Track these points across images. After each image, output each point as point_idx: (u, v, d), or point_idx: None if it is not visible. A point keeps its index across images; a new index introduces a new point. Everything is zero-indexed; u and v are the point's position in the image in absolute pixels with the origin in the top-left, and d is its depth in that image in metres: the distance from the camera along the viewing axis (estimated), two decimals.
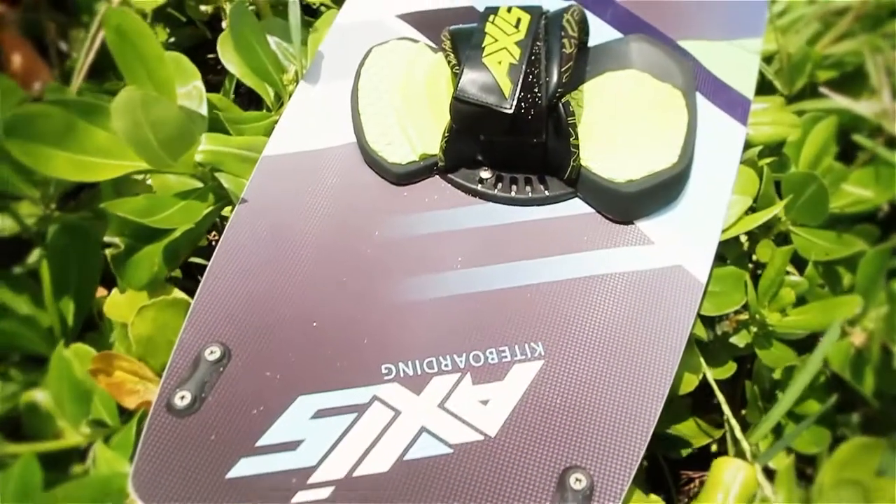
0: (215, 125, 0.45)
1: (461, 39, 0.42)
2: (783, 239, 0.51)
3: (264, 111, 0.51)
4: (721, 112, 0.47)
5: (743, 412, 0.48)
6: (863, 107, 0.47)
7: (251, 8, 0.53)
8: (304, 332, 0.37)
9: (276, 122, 0.46)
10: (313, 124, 0.46)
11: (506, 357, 0.37)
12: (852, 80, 0.53)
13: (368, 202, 0.42)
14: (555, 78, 0.39)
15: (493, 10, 0.42)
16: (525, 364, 0.37)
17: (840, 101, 0.49)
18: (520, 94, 0.39)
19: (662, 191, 0.41)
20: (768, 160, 0.49)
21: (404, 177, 0.42)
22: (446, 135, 0.41)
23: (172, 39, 0.63)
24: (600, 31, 0.50)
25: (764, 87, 0.53)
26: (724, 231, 0.43)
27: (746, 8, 0.53)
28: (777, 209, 0.43)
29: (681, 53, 0.49)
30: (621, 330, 0.38)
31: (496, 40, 0.40)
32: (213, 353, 0.36)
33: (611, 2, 0.53)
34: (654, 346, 0.38)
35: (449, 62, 0.42)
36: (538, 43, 0.40)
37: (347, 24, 0.51)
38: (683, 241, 0.41)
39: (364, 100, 0.45)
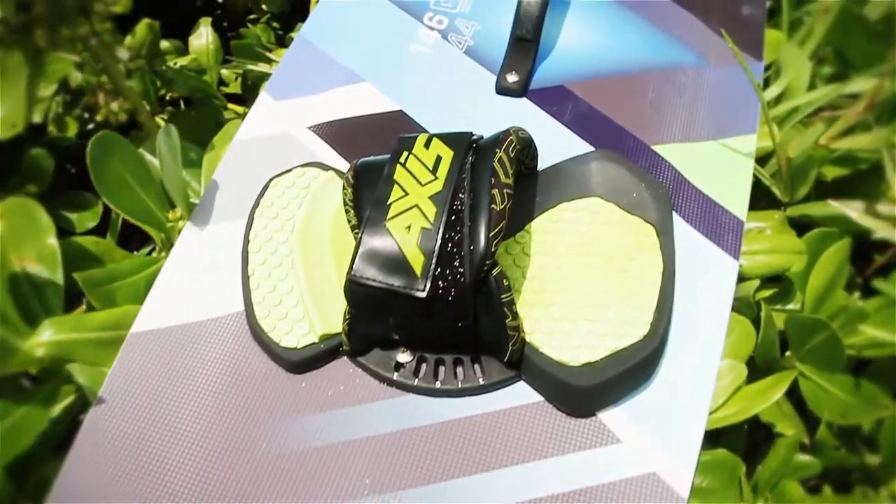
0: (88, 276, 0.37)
1: (366, 184, 0.33)
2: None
3: (152, 253, 0.42)
4: (707, 242, 0.38)
5: None
6: (882, 228, 0.37)
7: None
8: None
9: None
10: (197, 286, 0.37)
11: None
12: (866, 178, 0.43)
13: (257, 398, 0.33)
14: (482, 245, 0.30)
15: (409, 144, 0.33)
16: None
17: (853, 215, 0.39)
18: (435, 270, 0.30)
19: (629, 377, 0.32)
20: (767, 293, 0.39)
21: (300, 364, 0.33)
22: (347, 316, 0.32)
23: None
24: (556, 136, 0.41)
25: (758, 191, 0.43)
26: (712, 413, 0.33)
27: (735, 97, 0.44)
28: (780, 392, 0.34)
29: (654, 175, 0.39)
30: None
31: (406, 193, 0.31)
32: None
33: (569, 96, 0.43)
34: None
35: (349, 220, 0.33)
36: (461, 195, 0.31)
37: (249, 141, 0.42)
38: (659, 438, 0.32)
39: (255, 256, 0.36)
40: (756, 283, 0.39)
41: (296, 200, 0.37)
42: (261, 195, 0.38)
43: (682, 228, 0.38)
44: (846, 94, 0.41)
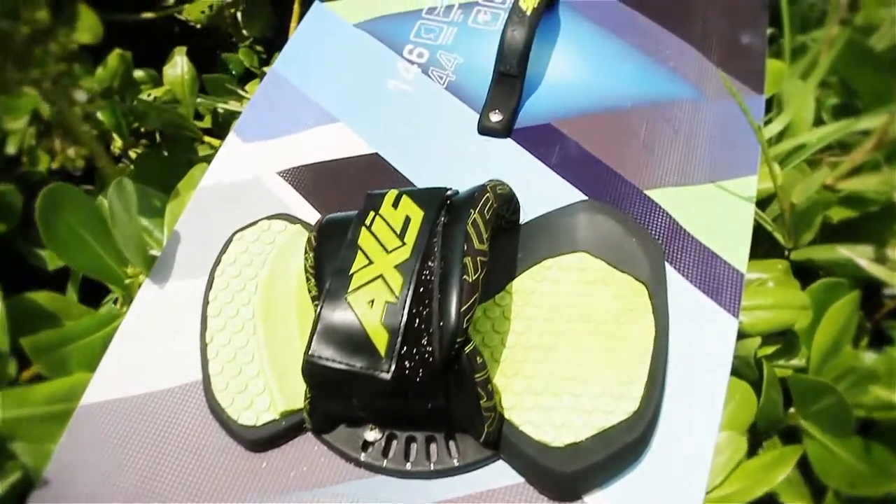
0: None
1: (329, 249, 0.30)
2: (792, 435, 0.39)
3: (112, 309, 0.39)
4: (704, 298, 0.35)
5: None
6: (893, 279, 0.34)
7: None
8: None
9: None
10: (153, 352, 0.34)
11: None
12: (876, 221, 0.40)
13: (215, 480, 0.31)
14: (452, 321, 0.27)
15: (376, 202, 0.30)
16: None
17: (862, 264, 0.36)
18: (401, 349, 0.27)
19: (617, 460, 0.29)
20: (770, 349, 0.36)
21: (260, 443, 0.30)
22: (308, 394, 0.29)
23: None
24: (541, 181, 0.38)
25: (759, 234, 0.40)
26: (709, 493, 0.30)
27: (734, 134, 0.41)
28: (785, 471, 0.31)
29: (647, 223, 0.36)
30: None
31: (370, 262, 0.28)
32: None
33: (556, 135, 0.40)
34: None
35: (309, 289, 0.30)
36: (430, 263, 0.28)
37: (214, 188, 0.39)
38: None
39: (214, 321, 0.33)
40: (757, 340, 0.36)
41: (260, 257, 0.35)
42: (222, 251, 0.35)
43: (676, 283, 0.35)
44: (855, 131, 0.38)
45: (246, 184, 0.39)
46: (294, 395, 0.30)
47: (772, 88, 0.44)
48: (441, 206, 0.30)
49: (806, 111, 0.40)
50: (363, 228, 0.29)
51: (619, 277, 0.33)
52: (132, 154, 0.55)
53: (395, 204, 0.30)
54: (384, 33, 0.46)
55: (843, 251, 0.36)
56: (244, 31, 0.62)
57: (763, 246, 0.41)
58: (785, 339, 0.38)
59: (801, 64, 0.45)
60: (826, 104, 0.47)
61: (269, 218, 0.36)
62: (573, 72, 0.43)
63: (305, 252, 0.31)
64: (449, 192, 0.31)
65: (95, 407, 0.33)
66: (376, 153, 0.40)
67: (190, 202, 0.39)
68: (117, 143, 0.55)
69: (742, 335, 0.36)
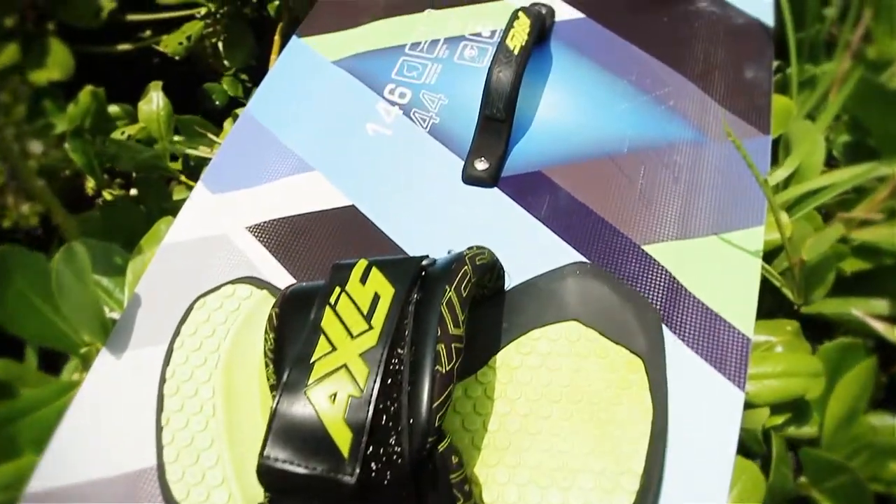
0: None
1: (291, 329, 0.27)
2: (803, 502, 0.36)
3: (70, 378, 0.36)
4: (707, 367, 0.32)
5: None
6: None
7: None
8: None
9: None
10: (107, 433, 0.31)
11: None
12: (892, 274, 0.37)
13: None
14: (423, 418, 0.24)
15: (343, 277, 0.28)
16: None
17: (878, 328, 0.33)
18: (367, 450, 0.24)
19: None
20: (779, 419, 0.33)
21: None
22: (266, 498, 0.26)
23: None
24: (530, 237, 0.35)
25: (764, 287, 0.37)
26: None
27: (740, 181, 0.38)
28: None
29: (646, 282, 0.33)
30: None
31: (334, 348, 0.26)
32: None
33: (546, 184, 0.38)
34: None
35: (268, 376, 0.28)
36: (399, 350, 0.25)
37: (179, 245, 0.37)
38: None
39: (171, 401, 0.30)
40: (766, 411, 0.33)
41: (223, 327, 0.32)
42: (182, 320, 0.32)
43: (676, 350, 0.32)
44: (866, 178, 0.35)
45: (213, 241, 0.37)
46: (255, 489, 0.28)
47: (778, 127, 0.41)
48: (414, 282, 0.27)
49: (815, 155, 0.37)
50: (327, 308, 0.26)
51: (613, 350, 0.30)
52: (106, 195, 0.53)
53: (364, 278, 0.27)
54: (364, 71, 0.43)
55: (857, 313, 0.33)
56: (225, 62, 0.59)
57: (769, 299, 0.38)
58: (795, 407, 0.35)
59: (809, 101, 0.42)
60: (837, 142, 0.44)
61: (234, 282, 0.33)
62: (565, 114, 0.41)
63: (266, 333, 0.28)
64: (424, 262, 0.28)
65: (41, 496, 0.30)
66: (353, 205, 0.37)
67: (152, 261, 0.36)
68: (90, 184, 0.53)
69: (749, 405, 0.33)
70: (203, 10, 0.59)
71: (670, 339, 0.32)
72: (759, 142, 0.40)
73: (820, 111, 0.39)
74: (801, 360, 0.33)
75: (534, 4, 0.45)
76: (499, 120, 0.38)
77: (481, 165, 0.38)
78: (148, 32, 0.59)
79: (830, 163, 0.42)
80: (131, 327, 0.34)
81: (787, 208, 0.38)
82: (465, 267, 0.27)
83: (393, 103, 0.41)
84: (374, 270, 0.27)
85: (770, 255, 0.38)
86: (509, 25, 0.39)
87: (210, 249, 0.36)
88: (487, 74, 0.38)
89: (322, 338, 0.26)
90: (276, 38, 0.54)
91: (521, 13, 0.40)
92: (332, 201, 0.37)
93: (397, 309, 0.26)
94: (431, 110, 0.41)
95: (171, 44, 0.55)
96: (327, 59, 0.44)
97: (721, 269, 0.35)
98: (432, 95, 0.42)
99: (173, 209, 0.40)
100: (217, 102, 0.64)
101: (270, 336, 0.28)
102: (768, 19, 0.46)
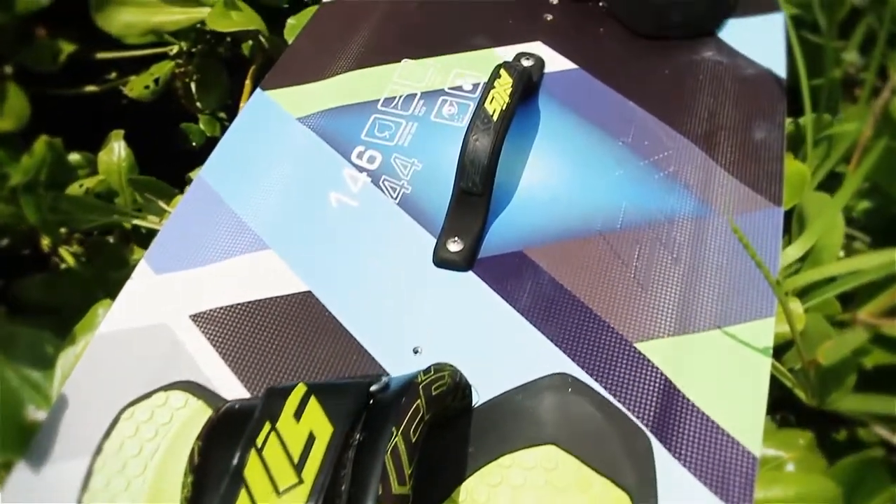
0: None
1: (212, 472, 0.23)
2: None
3: None
4: (706, 493, 0.28)
5: None
6: None
7: None
8: None
9: None
10: None
11: None
12: None
13: None
14: None
15: (275, 408, 0.23)
16: None
17: None
18: None
19: None
20: None
21: None
22: None
23: None
24: (507, 333, 0.31)
25: (773, 384, 0.33)
26: None
27: (747, 262, 0.33)
28: None
29: (637, 389, 0.29)
30: None
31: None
32: None
33: (528, 268, 0.33)
34: None
35: None
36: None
37: (114, 336, 0.33)
38: None
39: None
40: None
41: (151, 443, 0.28)
42: (106, 435, 0.28)
43: (671, 473, 0.28)
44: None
45: (152, 331, 0.33)
46: None
47: (792, 197, 0.37)
48: (357, 418, 0.23)
49: (834, 234, 0.33)
50: (252, 452, 0.22)
51: (597, 482, 0.26)
52: (63, 252, 0.49)
53: (299, 412, 0.23)
54: (332, 131, 0.39)
55: (880, 431, 0.28)
56: (198, 104, 0.55)
57: (773, 388, 0.34)
58: None
59: (825, 164, 0.38)
60: (857, 208, 0.39)
61: (168, 388, 0.29)
62: (552, 183, 0.36)
63: (185, 474, 0.24)
64: (373, 388, 0.24)
65: None
66: (310, 291, 0.33)
67: (83, 356, 0.32)
68: (47, 241, 0.49)
69: None
70: (175, 49, 0.55)
71: (664, 458, 0.28)
72: (771, 215, 0.35)
73: (837, 179, 0.35)
74: (816, 482, 0.28)
75: (521, 56, 0.41)
76: (475, 194, 0.34)
77: (454, 247, 0.33)
78: (114, 74, 0.55)
79: (851, 243, 0.37)
80: (54, 436, 0.30)
81: (800, 292, 0.33)
82: (418, 401, 0.23)
83: (361, 169, 0.37)
84: (313, 401, 0.23)
85: (781, 347, 0.33)
86: (489, 85, 0.35)
87: (148, 342, 0.32)
88: (463, 142, 0.34)
89: (243, 491, 0.21)
90: (248, 82, 0.50)
91: (503, 70, 0.36)
92: (287, 286, 0.33)
93: (333, 458, 0.22)
94: (403, 178, 0.37)
95: (136, 87, 0.51)
96: (292, 115, 0.40)
97: (725, 372, 0.31)
98: (405, 160, 0.37)
99: (127, 277, 0.36)
100: (194, 143, 0.61)
101: (189, 480, 0.23)
102: (780, 69, 0.42)
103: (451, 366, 0.26)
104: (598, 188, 0.36)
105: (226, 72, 0.56)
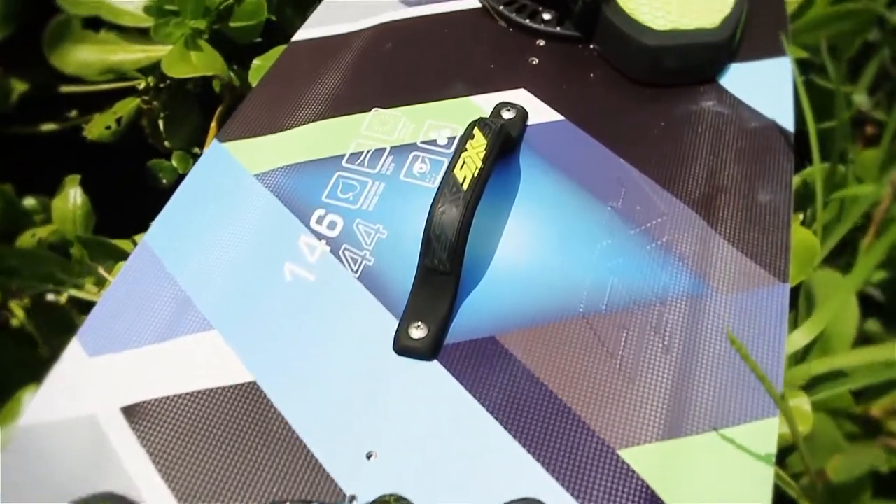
0: None
1: None
2: None
3: None
4: None
5: None
6: None
7: None
8: None
9: None
10: None
11: None
12: None
13: None
14: None
15: None
16: None
17: None
18: None
19: None
20: None
21: None
22: None
23: None
24: (473, 437, 0.27)
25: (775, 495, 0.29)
26: None
27: (750, 348, 0.29)
28: None
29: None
30: None
31: None
32: None
33: (500, 357, 0.30)
34: None
35: None
36: None
37: (35, 430, 0.29)
38: None
39: None
40: None
41: None
42: None
43: None
44: None
45: (79, 424, 0.29)
46: None
47: (799, 271, 0.33)
48: None
49: (846, 321, 0.29)
50: None
51: None
52: (14, 307, 0.45)
53: None
54: (291, 191, 0.35)
55: None
56: (167, 143, 0.52)
57: (776, 501, 0.30)
58: None
59: (837, 232, 0.34)
60: (872, 278, 0.36)
61: (84, 502, 0.26)
62: (530, 256, 0.33)
63: None
64: None
65: None
66: (254, 382, 0.29)
67: (1, 453, 0.29)
68: None
69: None
70: (142, 83, 0.52)
71: None
72: (776, 293, 0.32)
73: (850, 243, 0.31)
74: None
75: (501, 107, 0.37)
76: (441, 273, 0.30)
77: (418, 332, 0.30)
78: (74, 112, 0.51)
79: (863, 303, 0.33)
80: None
81: (804, 386, 0.29)
82: None
83: (320, 236, 0.34)
84: None
85: (786, 448, 0.29)
86: (460, 147, 0.32)
87: (74, 439, 0.29)
88: (429, 214, 0.30)
89: None
90: (213, 124, 0.46)
91: (476, 130, 0.32)
92: (231, 375, 0.30)
93: None
94: (365, 247, 0.33)
95: (96, 128, 0.48)
96: (249, 171, 0.37)
97: (720, 484, 0.27)
98: (368, 226, 0.34)
99: (31, 385, 0.33)
100: (164, 181, 0.57)
101: None
102: (787, 122, 0.38)
103: (397, 500, 0.22)
104: (582, 262, 0.32)
105: (197, 108, 0.52)
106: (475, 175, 0.30)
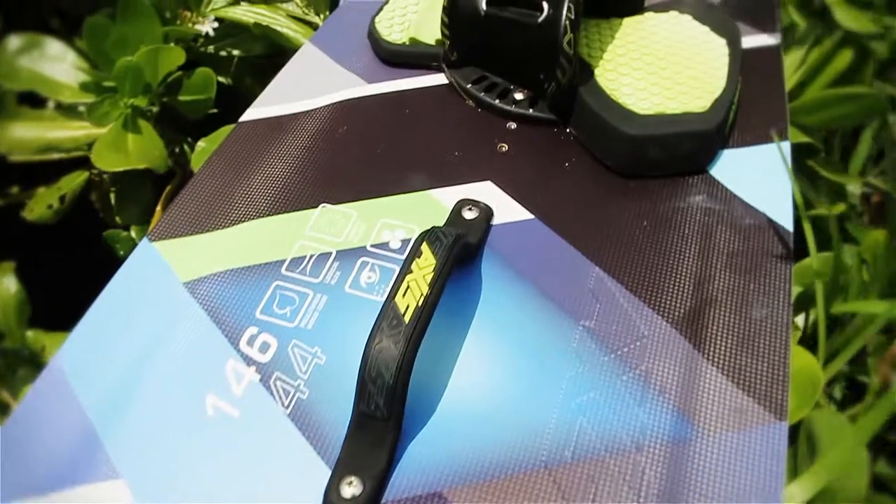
0: None
1: None
2: None
3: None
4: None
5: None
6: None
7: None
8: None
9: None
10: None
11: None
12: None
13: None
14: None
15: None
16: None
17: None
18: None
19: None
20: None
21: None
22: None
23: None
24: None
25: None
26: None
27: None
28: None
29: None
30: None
31: None
32: None
33: None
34: None
35: None
36: None
37: None
38: None
39: None
40: None
41: None
42: None
43: None
44: None
45: None
46: None
47: (799, 406, 0.28)
48: None
49: (856, 476, 0.24)
50: None
51: None
52: None
53: None
54: (222, 304, 0.31)
55: None
56: (118, 219, 0.48)
57: None
58: None
59: (845, 354, 0.29)
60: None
61: None
62: (485, 393, 0.28)
63: None
64: None
65: None
66: None
67: None
68: None
69: None
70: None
71: None
72: (772, 433, 0.27)
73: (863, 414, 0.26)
74: None
75: (463, 205, 0.33)
76: (379, 419, 0.26)
77: (350, 490, 0.25)
78: (15, 189, 0.48)
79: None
80: None
81: None
82: None
83: (250, 362, 0.29)
84: None
85: None
86: (405, 268, 0.27)
87: None
88: (364, 352, 0.26)
89: None
90: (159, 208, 0.42)
91: (424, 246, 0.28)
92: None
93: None
94: (300, 376, 0.29)
95: (37, 207, 0.44)
96: (179, 279, 0.32)
97: None
98: (305, 350, 0.30)
99: None
100: (121, 253, 0.53)
101: None
102: (786, 218, 0.34)
103: None
104: (546, 398, 0.28)
105: (149, 184, 0.49)
106: (419, 304, 0.26)
